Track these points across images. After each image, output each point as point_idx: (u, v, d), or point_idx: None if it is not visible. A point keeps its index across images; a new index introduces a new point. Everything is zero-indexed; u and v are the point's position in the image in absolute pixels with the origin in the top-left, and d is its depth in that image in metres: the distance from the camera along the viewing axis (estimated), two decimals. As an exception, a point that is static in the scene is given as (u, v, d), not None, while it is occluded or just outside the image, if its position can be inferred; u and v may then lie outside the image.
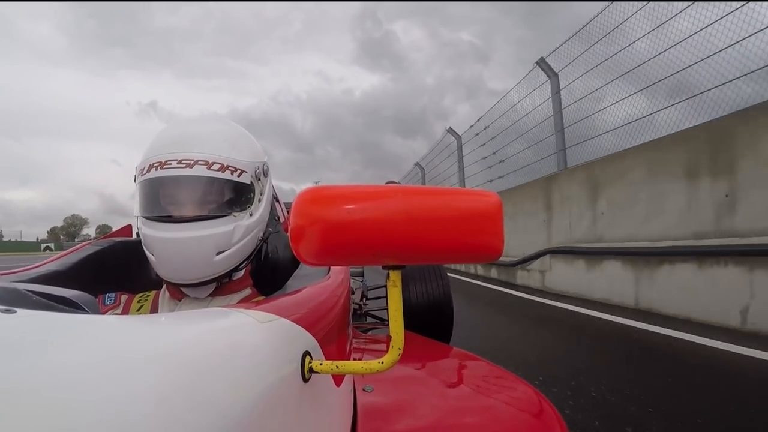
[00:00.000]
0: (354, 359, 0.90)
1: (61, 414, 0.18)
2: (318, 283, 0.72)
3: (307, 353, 0.44)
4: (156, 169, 0.66)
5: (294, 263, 0.86)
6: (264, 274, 0.84)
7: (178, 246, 0.68)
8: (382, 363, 0.42)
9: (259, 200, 0.76)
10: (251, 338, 0.38)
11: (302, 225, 0.37)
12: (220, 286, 0.77)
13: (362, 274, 2.51)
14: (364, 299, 2.26)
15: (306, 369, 0.42)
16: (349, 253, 0.38)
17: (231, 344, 0.35)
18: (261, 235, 0.79)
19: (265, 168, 0.77)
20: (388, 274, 0.42)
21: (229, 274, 0.76)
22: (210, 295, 0.76)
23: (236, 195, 0.72)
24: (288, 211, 1.01)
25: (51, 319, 0.27)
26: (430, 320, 1.80)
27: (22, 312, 0.26)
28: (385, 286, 0.43)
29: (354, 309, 1.96)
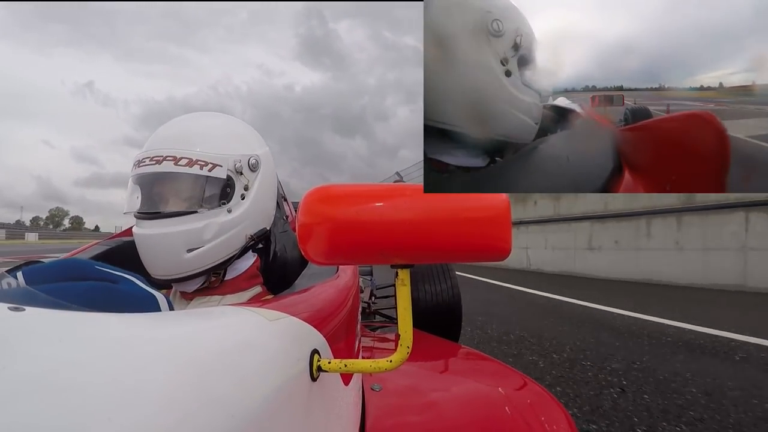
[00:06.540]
0: (363, 358, 0.90)
1: (70, 412, 0.18)
2: (326, 282, 0.72)
3: (315, 351, 0.44)
4: (135, 167, 0.68)
5: (303, 262, 0.86)
6: (273, 273, 0.84)
7: (148, 242, 0.68)
8: (391, 362, 0.42)
9: (242, 196, 0.72)
10: (260, 336, 0.37)
11: (310, 224, 0.37)
12: (219, 285, 0.76)
13: (371, 273, 2.51)
14: (373, 298, 2.26)
15: (314, 367, 0.42)
16: (357, 252, 0.38)
17: (240, 342, 0.35)
18: (251, 232, 0.75)
19: (252, 162, 0.73)
20: (397, 272, 0.42)
21: (220, 270, 0.74)
22: (213, 293, 0.76)
23: (208, 190, 0.70)
24: (296, 210, 1.02)
25: (59, 316, 0.27)
26: (439, 319, 1.80)
27: (30, 310, 0.26)
28: (394, 285, 0.43)
29: (363, 308, 1.96)
